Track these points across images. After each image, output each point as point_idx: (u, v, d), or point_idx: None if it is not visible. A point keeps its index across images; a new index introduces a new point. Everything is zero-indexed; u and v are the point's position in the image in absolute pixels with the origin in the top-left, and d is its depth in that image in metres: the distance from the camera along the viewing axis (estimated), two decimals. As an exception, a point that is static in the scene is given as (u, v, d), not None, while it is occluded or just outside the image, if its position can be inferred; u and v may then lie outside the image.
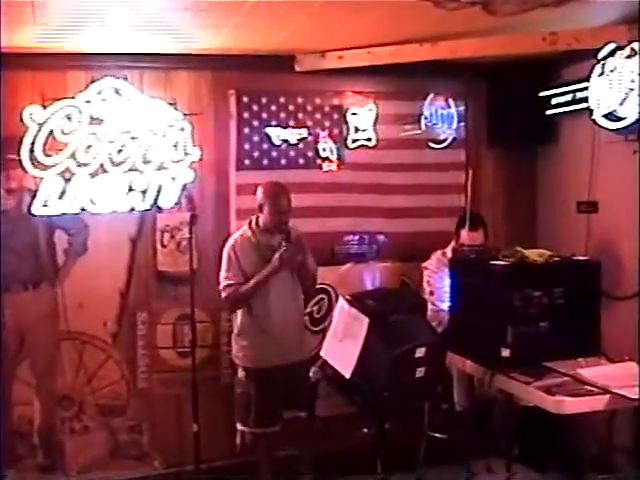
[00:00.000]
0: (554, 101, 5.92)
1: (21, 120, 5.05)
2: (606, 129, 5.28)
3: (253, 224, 5.26)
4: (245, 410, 5.29)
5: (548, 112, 5.98)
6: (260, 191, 5.23)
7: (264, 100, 5.91)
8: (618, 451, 5.30)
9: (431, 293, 5.65)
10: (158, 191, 5.35)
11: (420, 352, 4.17)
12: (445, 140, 6.37)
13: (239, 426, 5.33)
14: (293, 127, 5.97)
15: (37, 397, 5.54)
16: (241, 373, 5.34)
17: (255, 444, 5.34)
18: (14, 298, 5.41)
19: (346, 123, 6.11)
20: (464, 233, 5.42)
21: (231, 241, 5.29)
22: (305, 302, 5.55)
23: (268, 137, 5.92)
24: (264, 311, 5.19)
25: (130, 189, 5.30)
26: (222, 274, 5.23)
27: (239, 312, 5.31)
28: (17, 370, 5.50)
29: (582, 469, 5.05)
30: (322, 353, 4.51)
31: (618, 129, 5.19)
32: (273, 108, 5.93)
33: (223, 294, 5.24)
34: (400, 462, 5.06)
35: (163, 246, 5.70)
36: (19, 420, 5.52)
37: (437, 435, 5.66)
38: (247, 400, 5.28)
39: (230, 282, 5.19)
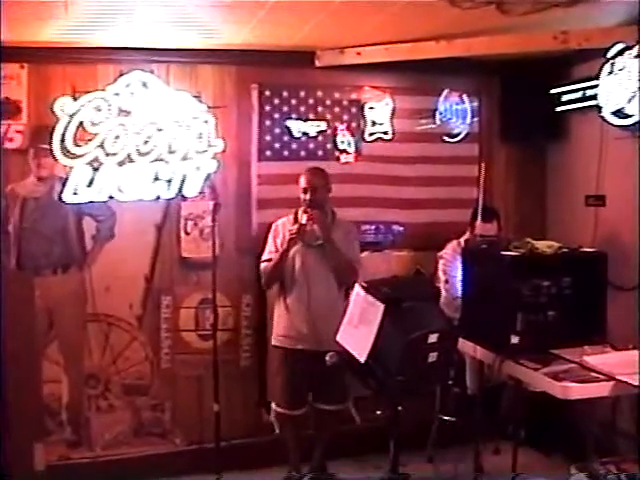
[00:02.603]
0: (564, 98, 5.95)
1: (52, 111, 5.09)
2: (614, 126, 5.36)
3: (299, 211, 5.36)
4: (274, 388, 5.45)
5: (558, 109, 6.01)
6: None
7: (285, 94, 5.99)
8: (621, 435, 5.40)
9: (446, 281, 5.72)
10: (182, 180, 5.37)
11: (433, 338, 4.17)
12: (459, 134, 6.42)
13: (272, 405, 5.45)
14: (313, 120, 6.04)
15: (65, 376, 5.64)
16: (272, 352, 5.48)
17: (282, 424, 5.46)
18: (44, 281, 5.49)
19: (363, 117, 6.16)
20: (478, 224, 5.44)
21: (274, 224, 5.45)
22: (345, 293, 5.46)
23: (288, 129, 5.99)
24: (293, 294, 5.31)
25: (156, 178, 5.31)
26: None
27: (276, 292, 5.43)
28: (46, 350, 5.59)
29: (586, 452, 5.10)
30: (338, 338, 4.55)
31: (626, 126, 5.26)
32: (294, 102, 6.00)
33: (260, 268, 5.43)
34: (412, 443, 5.17)
35: (187, 233, 5.76)
36: (48, 397, 5.59)
37: (448, 418, 5.79)
38: (275, 379, 5.43)
39: (263, 258, 5.37)
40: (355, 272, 5.33)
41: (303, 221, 5.22)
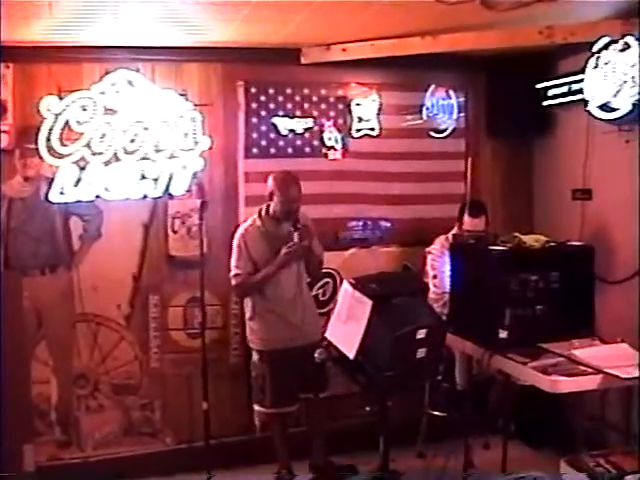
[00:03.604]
0: (550, 92, 5.95)
1: (38, 111, 5.10)
2: (600, 120, 5.35)
3: (263, 213, 5.34)
4: (261, 392, 5.39)
5: (545, 103, 6.01)
6: (271, 180, 5.30)
7: (271, 91, 5.96)
8: (610, 428, 5.41)
9: (434, 277, 5.74)
10: (169, 179, 5.38)
11: (421, 334, 4.20)
12: (446, 130, 6.41)
13: (256, 407, 5.45)
14: (299, 117, 6.03)
15: (54, 376, 5.62)
16: (255, 356, 5.43)
17: (271, 424, 5.45)
18: (32, 281, 5.51)
19: (350, 113, 6.15)
20: (467, 219, 5.55)
21: (241, 230, 5.37)
22: (311, 284, 5.67)
23: (275, 127, 5.97)
24: (273, 294, 5.30)
25: (143, 177, 5.33)
26: (232, 263, 5.32)
27: (251, 296, 5.39)
28: (35, 350, 5.57)
29: (575, 445, 5.12)
30: (327, 334, 4.54)
31: (612, 120, 5.25)
32: (280, 99, 5.98)
33: (232, 282, 5.36)
34: (402, 439, 5.19)
35: (174, 232, 5.75)
36: (37, 398, 5.59)
37: (437, 413, 5.80)
38: (262, 382, 5.37)
39: (239, 272, 5.30)
40: (322, 263, 5.62)
41: (296, 239, 5.21)
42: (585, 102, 5.43)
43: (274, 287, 5.31)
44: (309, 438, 5.62)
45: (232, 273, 5.34)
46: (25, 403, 5.54)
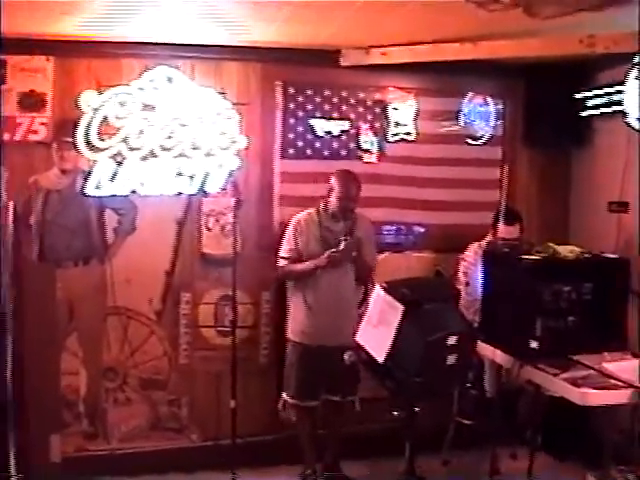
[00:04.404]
0: (590, 103, 5.92)
1: (77, 104, 5.12)
2: (639, 132, 5.29)
3: (321, 207, 5.44)
4: (287, 380, 5.47)
5: (583, 113, 5.98)
6: (333, 177, 5.40)
7: (309, 92, 5.98)
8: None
9: (467, 284, 5.73)
10: (205, 176, 5.38)
11: (452, 340, 4.20)
12: (482, 137, 6.40)
13: (283, 394, 5.51)
14: (336, 119, 6.04)
15: (83, 368, 5.67)
16: (290, 346, 5.50)
17: (296, 419, 5.51)
18: (65, 273, 5.55)
19: (387, 117, 6.14)
20: (501, 227, 5.50)
21: (295, 219, 5.46)
22: (364, 292, 5.60)
23: (312, 128, 5.99)
24: (315, 291, 5.35)
25: (178, 174, 5.33)
26: (282, 246, 5.46)
27: (293, 288, 5.49)
28: (66, 342, 5.62)
29: (603, 459, 5.09)
30: (357, 338, 4.56)
31: (651, 132, 5.19)
32: (318, 100, 6.00)
33: (278, 264, 5.48)
34: (428, 445, 5.18)
35: (208, 229, 5.78)
36: (66, 389, 5.64)
37: (464, 421, 5.78)
38: (290, 372, 5.45)
39: (283, 256, 5.43)
40: (372, 271, 5.57)
41: (342, 246, 5.26)
42: (624, 113, 5.35)
43: (316, 283, 5.36)
44: (325, 439, 5.66)
45: (279, 256, 5.47)
46: (54, 394, 5.57)
